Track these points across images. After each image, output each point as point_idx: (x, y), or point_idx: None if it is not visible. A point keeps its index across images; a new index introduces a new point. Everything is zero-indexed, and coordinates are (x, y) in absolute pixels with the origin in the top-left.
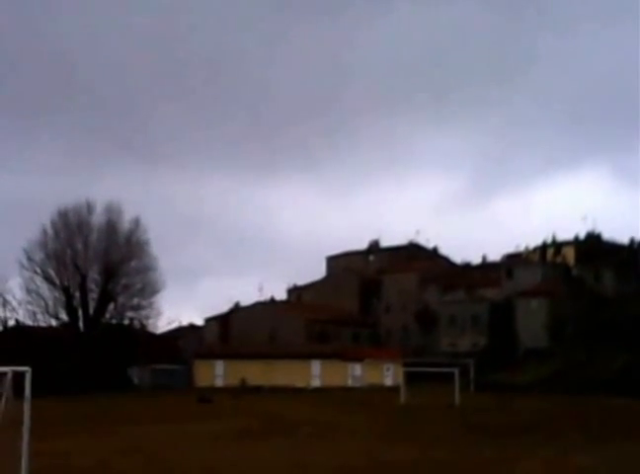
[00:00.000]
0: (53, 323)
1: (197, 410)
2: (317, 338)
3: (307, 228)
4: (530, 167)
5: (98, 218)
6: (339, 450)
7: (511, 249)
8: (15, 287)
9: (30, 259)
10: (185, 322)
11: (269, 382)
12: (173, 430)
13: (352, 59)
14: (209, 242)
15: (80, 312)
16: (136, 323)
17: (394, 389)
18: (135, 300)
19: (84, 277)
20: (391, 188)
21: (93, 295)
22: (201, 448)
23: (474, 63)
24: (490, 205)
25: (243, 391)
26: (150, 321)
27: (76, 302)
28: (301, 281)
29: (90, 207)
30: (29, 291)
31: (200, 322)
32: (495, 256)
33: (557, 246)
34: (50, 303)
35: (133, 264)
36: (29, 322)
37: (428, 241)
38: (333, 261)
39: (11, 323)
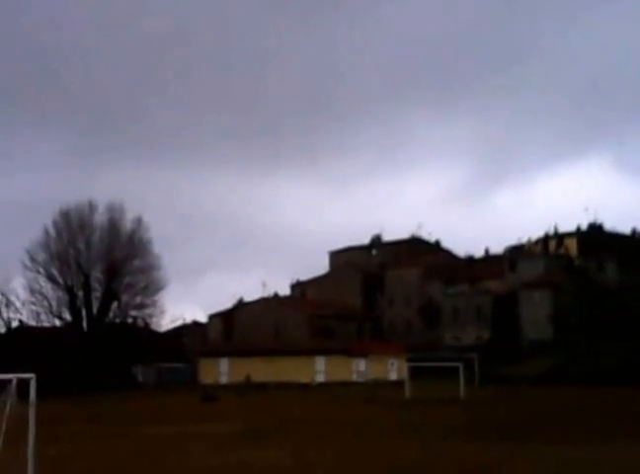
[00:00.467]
0: (57, 323)
1: (202, 409)
2: (321, 333)
3: (310, 223)
4: (532, 159)
5: (100, 217)
6: (345, 450)
7: (513, 241)
8: (18, 288)
9: (33, 259)
10: (188, 319)
11: (273, 379)
12: (179, 431)
13: (353, 52)
14: (212, 238)
15: (84, 312)
16: (140, 322)
17: (399, 384)
18: (139, 299)
19: (87, 277)
20: (393, 181)
21: (96, 295)
22: (208, 450)
23: (476, 55)
24: (492, 198)
25: (248, 388)
26: (154, 319)
27: (80, 302)
28: (304, 277)
29: (92, 207)
30: (32, 292)
31: (203, 319)
32: (497, 248)
33: (559, 237)
34: (54, 303)
35: (136, 262)
36: (32, 322)
37: (430, 235)
38: (336, 256)
39: (15, 324)
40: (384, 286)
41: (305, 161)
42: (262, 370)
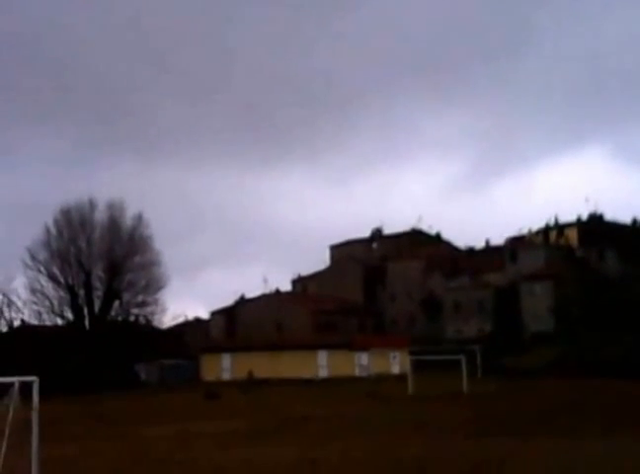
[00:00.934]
0: (59, 322)
1: (205, 407)
2: (323, 328)
3: (310, 218)
4: (532, 149)
5: (100, 215)
6: (350, 447)
7: (513, 232)
8: (20, 287)
9: (34, 258)
10: (190, 316)
11: (276, 374)
12: (183, 430)
13: (350, 46)
14: (212, 234)
15: (85, 310)
16: (142, 319)
17: (401, 377)
18: (140, 297)
19: (88, 275)
20: (393, 174)
21: (98, 293)
22: (213, 450)
23: (474, 46)
24: (492, 189)
25: (251, 384)
26: (156, 317)
27: (81, 300)
28: (305, 271)
29: (92, 205)
30: (33, 291)
31: (205, 315)
32: (498, 239)
33: (560, 228)
34: (55, 302)
35: (137, 260)
36: (34, 322)
37: (430, 227)
38: (336, 250)
39: (17, 323)
40: (385, 280)
41: (304, 155)
42: (264, 366)
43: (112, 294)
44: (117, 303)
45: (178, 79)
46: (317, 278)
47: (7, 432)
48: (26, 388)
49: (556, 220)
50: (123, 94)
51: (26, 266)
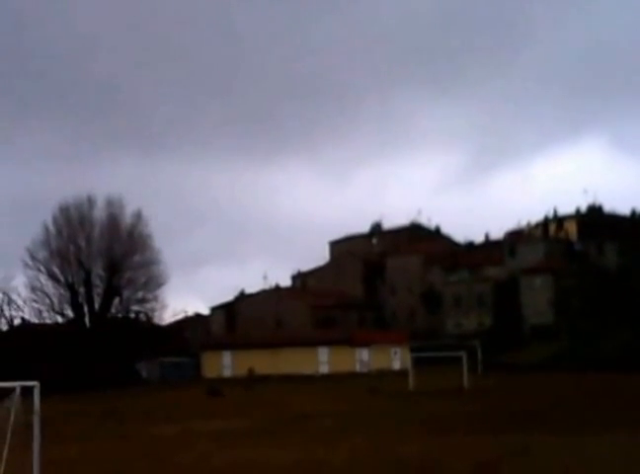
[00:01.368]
0: (59, 320)
1: (208, 405)
2: (323, 323)
3: (309, 213)
4: (530, 141)
5: (99, 213)
6: (353, 446)
7: (512, 225)
8: (20, 286)
9: (33, 257)
10: (190, 312)
11: (277, 371)
12: (186, 429)
13: (349, 38)
14: (212, 230)
15: (86, 308)
16: (142, 316)
17: (402, 373)
18: (140, 294)
19: (88, 273)
20: (391, 168)
21: (98, 291)
22: (217, 449)
23: (472, 40)
24: (491, 182)
25: (252, 381)
26: (156, 314)
27: (81, 298)
28: (305, 267)
29: (91, 202)
30: (33, 290)
31: (205, 311)
32: (497, 233)
33: (559, 221)
34: (56, 300)
35: (137, 258)
36: (35, 320)
37: (429, 221)
38: (336, 245)
39: (17, 322)
40: (385, 275)
41: (304, 150)
42: (265, 363)
43: (111, 292)
44: (116, 300)
45: (177, 75)
46: (317, 274)
47: (8, 436)
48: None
49: (555, 213)
50: (122, 91)
51: (25, 265)
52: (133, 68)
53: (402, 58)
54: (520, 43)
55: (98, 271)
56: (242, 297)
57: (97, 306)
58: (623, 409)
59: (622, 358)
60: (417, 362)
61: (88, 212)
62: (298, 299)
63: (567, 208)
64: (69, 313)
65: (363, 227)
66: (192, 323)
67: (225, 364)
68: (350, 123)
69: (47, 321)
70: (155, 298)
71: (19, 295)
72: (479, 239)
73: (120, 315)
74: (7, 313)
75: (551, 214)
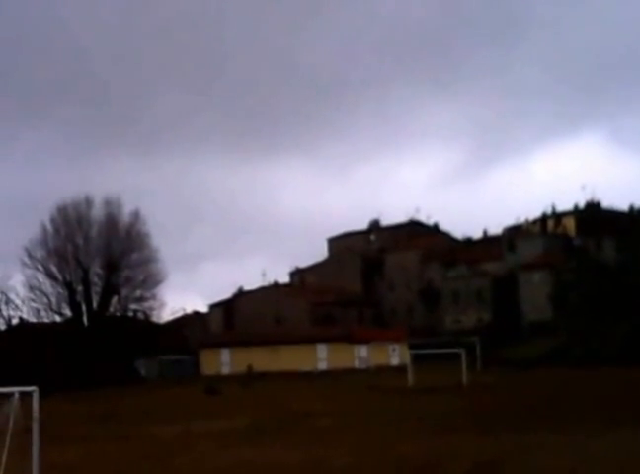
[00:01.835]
0: (58, 319)
1: (206, 403)
2: (322, 320)
3: (308, 209)
4: (528, 137)
5: (97, 212)
6: (353, 446)
7: (511, 221)
8: (18, 285)
9: (31, 256)
10: (189, 309)
11: (275, 368)
12: (185, 430)
13: (347, 34)
14: (210, 227)
15: (84, 307)
16: (140, 315)
17: (401, 369)
18: (138, 292)
19: (86, 272)
20: (390, 164)
21: (96, 289)
22: (216, 450)
23: (470, 35)
24: (489, 178)
25: (250, 378)
26: (154, 312)
27: (79, 297)
28: (303, 263)
29: (89, 202)
30: (31, 289)
31: (204, 309)
32: (496, 229)
33: (557, 217)
34: (54, 300)
35: (135, 256)
36: (33, 319)
37: (428, 218)
38: (334, 242)
39: (15, 321)
40: (384, 271)
41: (302, 147)
42: (263, 360)
43: (110, 290)
44: (115, 299)
45: (173, 72)
46: (315, 271)
47: (8, 440)
48: (27, 384)
49: (553, 209)
50: (119, 90)
51: (23, 264)
52: (130, 67)
53: (401, 54)
54: (519, 39)
55: (96, 269)
56: (240, 294)
57: (95, 305)
58: (625, 405)
59: (621, 353)
60: (416, 359)
61: (86, 212)
62: (297, 296)
63: (565, 204)
64: (67, 312)
65: (362, 224)
66: (190, 321)
67: (224, 362)
68: (348, 120)
69: (46, 320)
70: (153, 297)
71: (17, 295)
72: (477, 235)
73: (118, 314)
74: (5, 312)
75: (550, 210)
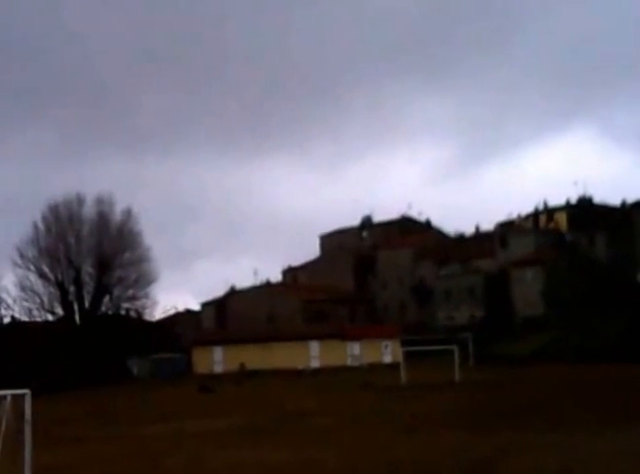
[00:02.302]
0: (50, 318)
1: (199, 402)
2: (314, 318)
3: (300, 207)
4: (520, 133)
5: (89, 211)
6: (346, 447)
7: (503, 217)
8: (9, 285)
9: (22, 256)
10: (181, 308)
11: (268, 366)
12: (178, 429)
13: (340, 32)
14: (203, 226)
15: (76, 306)
16: (132, 313)
17: (393, 366)
18: (131, 292)
19: (78, 271)
20: (382, 161)
21: (88, 289)
22: (209, 451)
23: (461, 32)
24: (480, 174)
25: (243, 376)
26: (146, 311)
27: (71, 297)
28: (296, 261)
29: (80, 201)
30: (23, 288)
31: (196, 307)
32: (488, 225)
33: (549, 212)
34: (45, 299)
35: (127, 255)
36: (25, 319)
37: (420, 214)
38: (326, 239)
39: (7, 321)
40: (376, 268)
41: (294, 144)
42: (256, 358)
43: (102, 290)
44: (107, 298)
45: (165, 70)
46: (308, 268)
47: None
48: (20, 383)
49: (545, 205)
50: (110, 87)
51: (15, 263)
52: (122, 65)
53: (392, 51)
54: (510, 35)
55: (88, 269)
56: (233, 293)
57: (87, 304)
58: (618, 403)
59: (614, 349)
60: (408, 356)
61: (77, 210)
62: (289, 294)
63: (557, 200)
64: (59, 311)
65: (354, 221)
66: (182, 319)
67: (216, 360)
68: (340, 117)
69: (37, 320)
70: (146, 296)
71: (8, 294)
72: (469, 231)
73: (110, 313)
74: None
75: (541, 206)
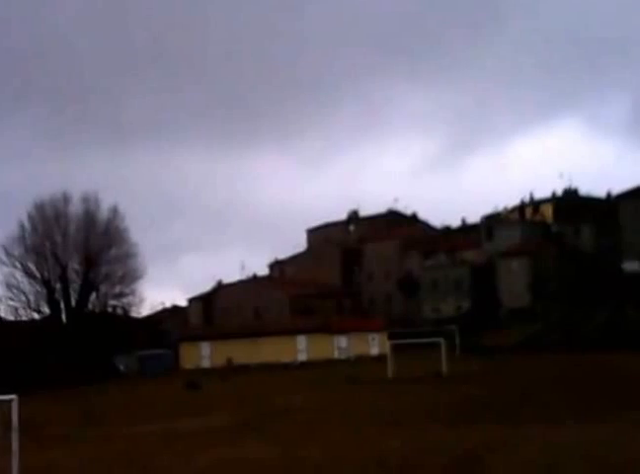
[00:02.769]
0: (36, 317)
1: (187, 399)
2: (301, 312)
3: (286, 201)
4: (505, 125)
5: (75, 209)
6: (333, 443)
7: (489, 210)
8: None
9: (8, 254)
10: (168, 304)
11: (255, 360)
12: (166, 429)
13: (326, 26)
14: (189, 221)
15: (62, 304)
16: (119, 311)
17: (380, 358)
18: (117, 288)
19: (64, 269)
20: (368, 155)
21: (74, 286)
22: (197, 449)
23: (445, 25)
24: (467, 167)
25: (230, 371)
26: (133, 308)
27: (58, 295)
28: (282, 255)
29: (66, 199)
30: (9, 287)
31: (183, 302)
32: (474, 217)
33: (535, 204)
34: (32, 298)
35: (113, 252)
36: (11, 318)
37: (406, 207)
38: (313, 233)
39: None
40: (363, 261)
41: (280, 138)
42: (243, 352)
43: (88, 287)
44: (93, 296)
45: (149, 67)
46: (294, 262)
47: None
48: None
49: (531, 197)
50: (94, 85)
51: (0, 262)
52: (106, 63)
53: (378, 44)
54: (495, 27)
55: (74, 266)
56: (220, 288)
57: (74, 302)
58: (603, 392)
59: (600, 338)
60: (395, 347)
61: (63, 208)
62: (276, 289)
63: (543, 192)
64: (46, 310)
65: (341, 215)
66: (170, 315)
67: (203, 355)
68: (326, 111)
69: (24, 318)
70: (132, 292)
71: None
72: (456, 224)
73: (97, 310)
74: None
75: (527, 198)
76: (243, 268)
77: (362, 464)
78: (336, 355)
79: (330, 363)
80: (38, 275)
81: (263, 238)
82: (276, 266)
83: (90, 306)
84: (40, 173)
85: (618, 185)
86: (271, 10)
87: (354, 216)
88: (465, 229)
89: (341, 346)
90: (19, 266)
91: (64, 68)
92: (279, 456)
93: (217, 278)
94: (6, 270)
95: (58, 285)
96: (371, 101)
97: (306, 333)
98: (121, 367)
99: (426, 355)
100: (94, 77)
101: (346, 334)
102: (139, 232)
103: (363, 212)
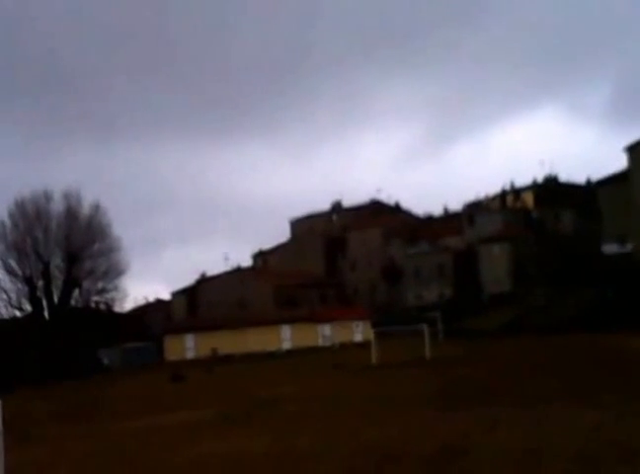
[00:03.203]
0: (18, 315)
1: (171, 392)
2: (286, 303)
3: (269, 192)
4: (486, 113)
5: (57, 205)
6: (321, 432)
7: (471, 197)
8: None
9: None
10: (152, 298)
11: (240, 350)
12: (151, 424)
13: (307, 14)
14: (172, 213)
15: (44, 301)
16: (102, 306)
17: (364, 345)
18: (100, 284)
19: (47, 265)
20: (351, 145)
21: (57, 283)
22: (182, 442)
23: (427, 13)
24: (449, 155)
25: (214, 361)
26: (116, 303)
27: (40, 292)
28: (266, 245)
29: (48, 196)
30: None
31: (167, 296)
32: (456, 205)
33: (516, 192)
34: (13, 295)
35: (96, 247)
36: None
37: (389, 197)
38: (297, 223)
39: None
40: (346, 250)
41: (263, 129)
42: (228, 343)
43: (71, 283)
44: (76, 292)
45: (127, 60)
46: (278, 253)
47: None
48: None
49: (512, 184)
50: (73, 80)
51: None
52: (83, 57)
53: (360, 33)
54: (476, 18)
55: (56, 262)
56: (203, 280)
57: (56, 299)
58: (586, 376)
59: (581, 320)
60: (379, 335)
61: (45, 205)
62: (260, 279)
63: (524, 179)
64: (28, 307)
65: (324, 205)
66: (153, 309)
67: (188, 347)
68: (309, 102)
69: (5, 317)
70: (115, 288)
71: None
72: (438, 212)
73: (79, 306)
74: None
75: (508, 186)
76: (227, 259)
77: (351, 453)
78: (320, 342)
79: (314, 351)
80: (19, 272)
81: (246, 229)
82: (259, 256)
83: (72, 303)
84: (20, 170)
85: (597, 171)
86: (255, 2)
87: (337, 207)
88: (447, 217)
89: (325, 333)
90: (0, 263)
91: (44, 65)
92: (266, 447)
93: (201, 271)
94: None
95: (40, 283)
96: (353, 91)
97: (291, 323)
98: (106, 361)
99: (409, 340)
100: (74, 74)
101: (330, 322)
102: (122, 227)
103: (347, 203)
